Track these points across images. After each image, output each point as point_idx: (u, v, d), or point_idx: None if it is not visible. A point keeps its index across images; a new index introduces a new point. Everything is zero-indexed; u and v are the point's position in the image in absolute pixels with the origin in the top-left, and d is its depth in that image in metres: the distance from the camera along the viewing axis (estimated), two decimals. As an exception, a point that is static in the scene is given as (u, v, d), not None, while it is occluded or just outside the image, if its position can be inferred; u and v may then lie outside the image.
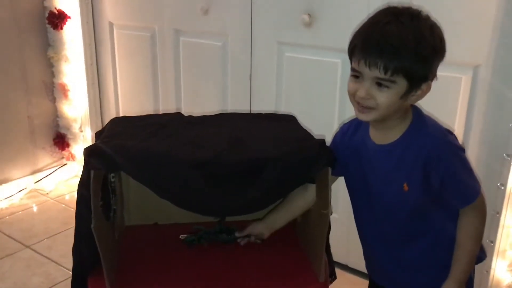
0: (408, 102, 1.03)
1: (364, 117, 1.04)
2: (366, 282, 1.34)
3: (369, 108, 1.02)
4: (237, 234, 1.27)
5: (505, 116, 1.57)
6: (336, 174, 1.20)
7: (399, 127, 1.07)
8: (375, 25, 0.99)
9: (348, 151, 1.16)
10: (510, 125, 1.56)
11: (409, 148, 1.05)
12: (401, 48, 0.96)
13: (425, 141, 1.03)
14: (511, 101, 1.56)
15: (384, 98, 1.00)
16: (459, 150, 1.06)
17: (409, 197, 1.07)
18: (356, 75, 1.02)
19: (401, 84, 0.99)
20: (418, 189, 1.05)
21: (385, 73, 0.97)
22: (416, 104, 1.09)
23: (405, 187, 1.06)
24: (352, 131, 1.18)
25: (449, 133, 1.07)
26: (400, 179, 1.06)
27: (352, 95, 1.04)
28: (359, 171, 1.14)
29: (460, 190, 1.06)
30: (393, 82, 0.98)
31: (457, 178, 1.05)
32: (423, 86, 1.02)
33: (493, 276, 1.67)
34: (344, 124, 1.22)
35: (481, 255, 1.19)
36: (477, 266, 1.18)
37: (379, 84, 0.99)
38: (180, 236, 1.28)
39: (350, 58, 1.04)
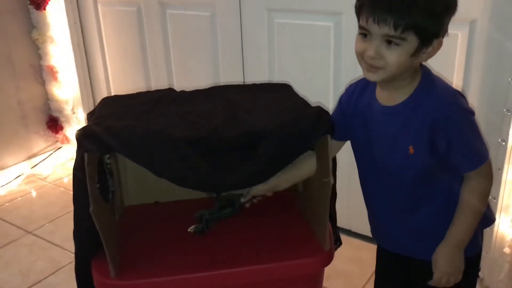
0: (418, 60, 1.00)
1: (373, 76, 1.00)
2: (369, 246, 1.34)
3: (378, 68, 0.98)
4: (242, 200, 1.23)
5: (504, 71, 1.55)
6: (342, 139, 1.18)
7: (407, 88, 1.03)
8: None
9: (354, 114, 1.13)
10: (510, 79, 1.53)
11: (416, 109, 1.02)
12: (412, 4, 0.92)
13: (433, 102, 1.00)
14: (510, 54, 1.53)
15: (394, 56, 0.96)
16: (468, 113, 1.02)
17: (415, 160, 1.04)
18: (364, 33, 0.98)
19: (412, 41, 0.95)
20: (424, 152, 1.03)
21: (395, 30, 0.93)
22: (424, 63, 1.05)
23: (411, 150, 1.03)
24: (358, 92, 1.14)
25: (459, 95, 1.04)
26: (406, 141, 1.04)
27: (360, 55, 1.00)
28: (365, 135, 1.12)
29: (467, 153, 1.03)
30: (404, 39, 0.94)
31: (465, 141, 1.02)
32: (434, 43, 0.98)
33: (497, 232, 1.67)
34: (350, 85, 1.18)
35: (490, 217, 1.17)
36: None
37: (388, 42, 0.95)
38: (188, 230, 1.23)
39: (358, 16, 1.00)
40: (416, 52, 0.97)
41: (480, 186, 1.05)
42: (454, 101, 1.01)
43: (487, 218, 1.17)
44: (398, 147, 1.05)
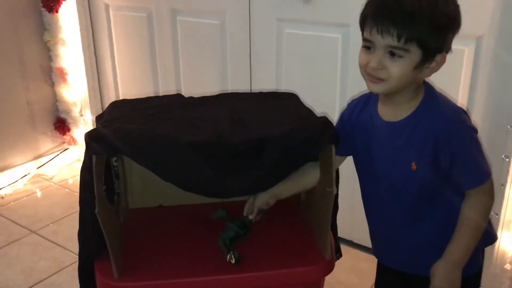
0: (421, 75, 1.00)
1: (376, 88, 1.01)
2: (370, 257, 1.34)
3: (381, 79, 0.99)
4: (250, 217, 1.21)
5: (510, 87, 1.55)
6: (344, 154, 1.18)
7: (409, 103, 1.03)
8: None
9: (356, 129, 1.14)
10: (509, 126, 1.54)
11: (419, 126, 1.02)
12: (415, 15, 0.93)
13: (436, 119, 1.00)
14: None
15: (396, 68, 0.96)
16: (471, 131, 1.02)
17: (417, 177, 1.04)
18: (368, 45, 0.99)
19: (415, 53, 0.96)
20: (426, 169, 1.02)
21: (399, 40, 0.94)
22: (427, 80, 1.06)
23: (414, 166, 1.03)
24: (360, 108, 1.15)
25: (462, 112, 1.04)
26: (408, 157, 1.04)
27: (363, 67, 1.01)
28: (366, 150, 1.12)
29: (470, 170, 1.02)
30: (407, 50, 0.95)
31: (468, 158, 1.01)
32: (437, 58, 0.98)
33: (498, 248, 1.67)
34: (352, 101, 1.19)
35: (492, 235, 1.17)
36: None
37: (392, 53, 0.96)
38: (227, 260, 1.14)
39: (362, 28, 1.01)
40: (419, 66, 0.97)
41: (481, 204, 1.04)
42: (458, 118, 1.01)
43: (489, 236, 1.16)
44: (400, 163, 1.05)
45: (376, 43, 0.97)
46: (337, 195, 1.18)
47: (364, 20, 1.00)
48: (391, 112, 1.06)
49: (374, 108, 1.10)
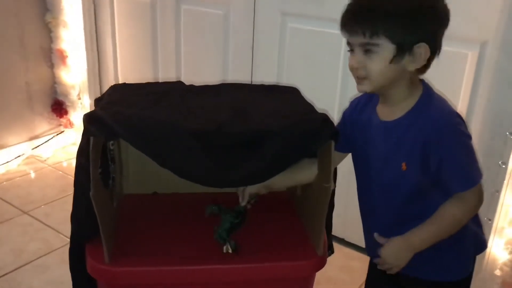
0: (408, 69, 1.00)
1: (361, 87, 1.03)
2: (361, 256, 1.35)
3: (363, 78, 1.01)
4: (243, 204, 1.22)
5: (511, 95, 1.55)
6: (343, 151, 1.18)
7: (405, 103, 1.04)
8: None
9: (356, 127, 1.15)
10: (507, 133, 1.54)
11: (411, 126, 1.02)
12: (374, 9, 0.95)
13: (428, 120, 1.00)
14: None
15: (373, 64, 0.98)
16: (463, 135, 1.01)
17: (407, 177, 1.04)
18: (349, 48, 1.03)
19: (387, 47, 0.97)
20: (416, 169, 1.03)
21: (364, 36, 0.96)
22: (427, 81, 1.06)
23: (404, 167, 1.03)
24: (361, 106, 1.16)
25: (456, 116, 1.03)
26: (399, 157, 1.04)
27: (350, 70, 1.04)
28: (362, 149, 1.13)
29: (457, 174, 1.01)
30: (377, 45, 0.97)
31: (456, 162, 1.01)
32: (417, 50, 0.98)
33: (489, 254, 1.68)
34: (354, 99, 1.20)
35: (484, 243, 1.17)
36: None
37: (366, 50, 0.98)
38: (223, 251, 1.14)
39: (343, 34, 1.04)
40: (396, 59, 0.98)
41: (463, 205, 1.03)
42: (450, 121, 1.01)
43: (481, 243, 1.17)
44: (391, 162, 1.06)
45: (352, 44, 1.00)
46: (333, 192, 1.18)
47: (340, 27, 1.03)
48: (388, 112, 1.07)
49: (373, 108, 1.11)
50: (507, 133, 1.57)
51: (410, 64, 0.99)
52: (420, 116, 1.02)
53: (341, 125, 1.19)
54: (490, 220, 1.64)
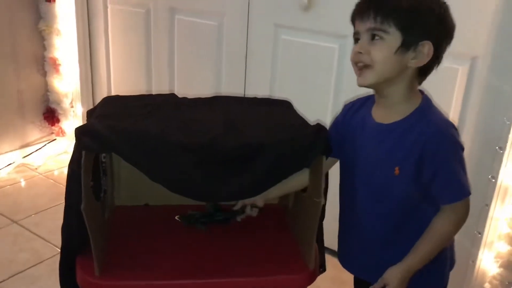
0: (409, 65, 1.01)
1: (361, 80, 1.03)
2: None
3: (366, 67, 1.01)
4: (234, 208, 1.24)
5: (500, 110, 1.57)
6: (334, 156, 1.18)
7: (403, 107, 1.04)
8: None
9: (347, 130, 1.14)
10: (505, 118, 1.56)
11: (409, 131, 1.02)
12: None
13: (427, 128, 1.01)
14: (506, 95, 1.56)
15: (378, 51, 0.99)
16: (459, 147, 1.03)
17: (398, 183, 1.04)
18: (356, 38, 1.04)
19: (394, 36, 0.98)
20: (408, 175, 1.03)
21: (375, 21, 0.98)
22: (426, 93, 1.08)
23: (397, 171, 1.03)
24: (354, 110, 1.16)
25: (453, 127, 1.05)
26: (393, 161, 1.04)
27: (353, 60, 1.04)
28: (352, 152, 1.12)
29: (450, 185, 1.03)
30: (386, 32, 0.98)
31: (450, 173, 1.02)
32: (422, 48, 0.99)
33: (479, 267, 1.69)
34: (348, 103, 1.20)
35: (453, 261, 1.17)
36: (462, 256, 1.18)
37: (372, 36, 1.00)
38: (176, 217, 1.27)
39: (353, 26, 1.05)
40: (401, 51, 0.99)
41: (453, 218, 1.05)
42: (448, 132, 1.02)
43: (453, 260, 1.18)
44: (384, 165, 1.06)
45: (360, 31, 1.02)
46: (324, 204, 1.19)
47: (352, 16, 1.05)
48: (384, 114, 1.07)
49: (368, 110, 1.11)
50: (497, 147, 1.58)
51: (412, 60, 1.01)
52: (420, 122, 1.02)
53: (333, 129, 1.19)
54: (480, 233, 1.65)
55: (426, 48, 1.00)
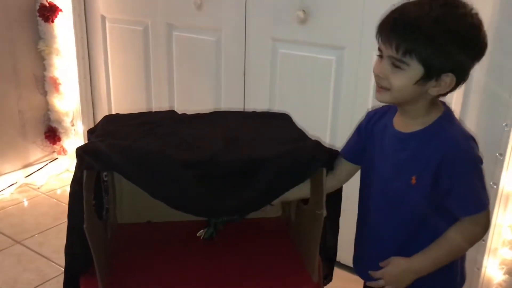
0: (429, 92, 0.99)
1: (379, 97, 1.02)
2: (357, 278, 1.33)
3: (384, 88, 1.00)
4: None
5: (499, 116, 1.58)
6: (356, 162, 1.17)
7: (424, 118, 1.03)
8: (402, 3, 0.97)
9: (371, 137, 1.14)
10: (504, 124, 1.56)
11: (429, 142, 1.01)
12: (415, 28, 0.93)
13: (447, 140, 1.00)
14: (504, 101, 1.56)
15: (396, 80, 0.97)
16: (478, 160, 1.01)
17: (414, 192, 1.03)
18: (379, 54, 1.01)
19: (415, 68, 0.95)
20: (425, 186, 1.02)
21: (397, 52, 0.95)
22: (448, 104, 1.07)
23: (413, 180, 1.02)
24: (377, 117, 1.15)
25: (472, 140, 1.03)
26: (411, 170, 1.03)
27: (374, 74, 1.03)
28: (372, 158, 1.12)
29: (467, 198, 1.01)
30: (406, 64, 0.95)
31: (467, 186, 1.00)
32: (445, 78, 0.97)
33: (484, 274, 1.68)
34: (372, 110, 1.19)
35: (461, 279, 1.15)
36: (468, 263, 1.17)
37: (394, 64, 0.97)
38: (197, 234, 1.28)
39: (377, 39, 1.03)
40: (421, 82, 0.96)
41: (469, 231, 1.03)
42: (468, 145, 1.00)
43: (463, 277, 1.16)
44: (401, 174, 1.05)
45: (383, 52, 0.99)
46: (338, 216, 1.20)
47: (377, 29, 1.01)
48: (405, 123, 1.06)
49: (390, 118, 1.11)
50: (497, 154, 1.58)
51: (433, 89, 0.99)
52: (439, 133, 1.01)
53: (355, 134, 1.19)
54: (483, 240, 1.65)
55: (449, 80, 0.97)
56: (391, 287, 1.10)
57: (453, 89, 1.01)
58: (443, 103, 1.07)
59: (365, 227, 1.19)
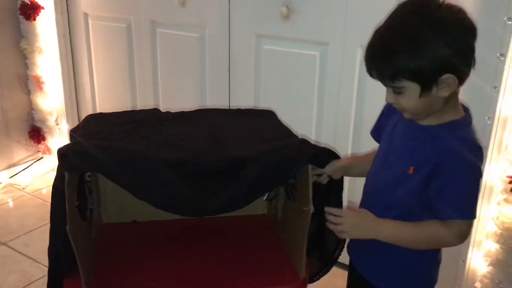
0: (440, 96, 0.97)
1: (406, 117, 1.04)
2: (345, 273, 1.34)
3: (403, 111, 1.02)
4: (312, 172, 1.15)
5: (481, 109, 1.59)
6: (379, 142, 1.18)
7: (441, 116, 1.01)
8: (376, 29, 0.97)
9: (387, 122, 1.15)
10: (486, 117, 1.57)
11: (433, 140, 1.01)
12: (385, 52, 0.93)
13: (454, 143, 0.98)
14: (486, 94, 1.57)
15: (404, 103, 0.99)
16: (477, 171, 0.99)
17: (409, 182, 1.03)
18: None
19: (411, 86, 0.95)
20: (420, 179, 1.01)
21: (385, 82, 0.96)
22: (471, 112, 1.06)
23: (411, 170, 1.02)
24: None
25: (477, 150, 1.01)
26: (411, 160, 1.03)
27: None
28: (384, 143, 1.14)
29: (453, 202, 0.99)
30: (402, 86, 0.95)
31: (458, 192, 0.99)
32: (444, 80, 0.94)
33: (469, 266, 1.70)
34: None
35: (435, 281, 1.16)
36: (453, 256, 1.17)
37: (394, 91, 0.98)
38: (264, 199, 1.35)
39: None
40: (424, 93, 0.95)
41: (446, 232, 1.01)
42: (473, 153, 0.99)
43: (435, 278, 1.16)
44: (402, 161, 1.05)
45: (383, 83, 1.00)
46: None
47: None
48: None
49: None
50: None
51: (440, 92, 0.96)
52: (450, 135, 1.00)
53: (381, 115, 1.19)
54: (468, 233, 1.66)
55: (449, 80, 0.95)
56: (343, 229, 1.06)
57: (463, 79, 0.98)
58: (466, 110, 1.05)
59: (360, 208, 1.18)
